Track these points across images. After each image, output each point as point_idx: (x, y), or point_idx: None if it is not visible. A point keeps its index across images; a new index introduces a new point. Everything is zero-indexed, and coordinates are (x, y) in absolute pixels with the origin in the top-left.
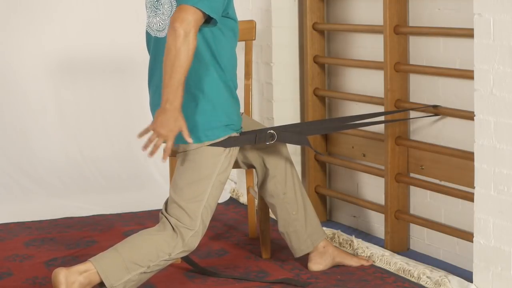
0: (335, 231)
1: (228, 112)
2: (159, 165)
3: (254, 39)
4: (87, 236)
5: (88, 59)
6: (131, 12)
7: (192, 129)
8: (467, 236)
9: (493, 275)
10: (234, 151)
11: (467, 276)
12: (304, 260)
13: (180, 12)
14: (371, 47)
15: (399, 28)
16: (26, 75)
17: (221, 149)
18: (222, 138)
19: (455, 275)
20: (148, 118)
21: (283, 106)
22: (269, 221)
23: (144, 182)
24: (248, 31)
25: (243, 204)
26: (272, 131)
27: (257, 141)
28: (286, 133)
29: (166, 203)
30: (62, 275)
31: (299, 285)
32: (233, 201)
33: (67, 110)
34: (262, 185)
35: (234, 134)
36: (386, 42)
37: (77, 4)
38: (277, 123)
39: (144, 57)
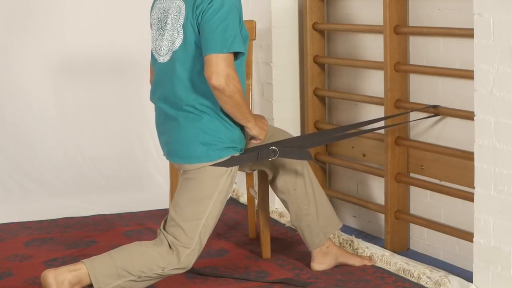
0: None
1: (232, 134)
2: (159, 165)
3: (254, 39)
4: (87, 236)
5: (88, 59)
6: (131, 12)
7: (195, 149)
8: (467, 236)
9: (493, 275)
10: (236, 170)
11: (467, 276)
12: (304, 260)
13: (210, 66)
14: (371, 47)
15: (399, 28)
16: (27, 75)
17: (223, 169)
18: (224, 158)
19: (455, 275)
20: (148, 117)
21: (283, 106)
22: (269, 221)
23: (144, 182)
24: (248, 31)
25: (243, 204)
26: (273, 147)
27: (260, 158)
28: (288, 149)
29: (165, 221)
30: (51, 276)
31: (299, 285)
32: (233, 201)
33: (67, 110)
34: (272, 181)
35: (237, 154)
36: (386, 42)
37: (77, 5)
38: (277, 123)
39: (143, 58)
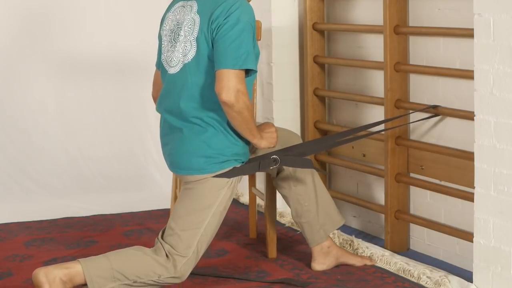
0: (335, 231)
1: (235, 148)
2: (159, 165)
3: (259, 39)
4: (87, 236)
5: (88, 60)
6: (132, 14)
7: (197, 161)
8: (467, 236)
9: (493, 275)
10: (236, 182)
11: (467, 276)
12: (304, 260)
13: (221, 81)
14: (371, 47)
15: (399, 28)
16: (27, 75)
17: (224, 180)
18: (226, 170)
19: (455, 275)
20: (148, 117)
21: (283, 106)
22: (275, 221)
23: (144, 182)
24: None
25: (243, 204)
26: (275, 156)
27: (261, 168)
28: (289, 157)
29: (163, 230)
30: (42, 274)
31: (299, 285)
32: (233, 201)
33: (67, 110)
34: (274, 177)
35: (238, 165)
36: (386, 42)
37: (78, 5)
38: (277, 123)
39: (144, 58)
